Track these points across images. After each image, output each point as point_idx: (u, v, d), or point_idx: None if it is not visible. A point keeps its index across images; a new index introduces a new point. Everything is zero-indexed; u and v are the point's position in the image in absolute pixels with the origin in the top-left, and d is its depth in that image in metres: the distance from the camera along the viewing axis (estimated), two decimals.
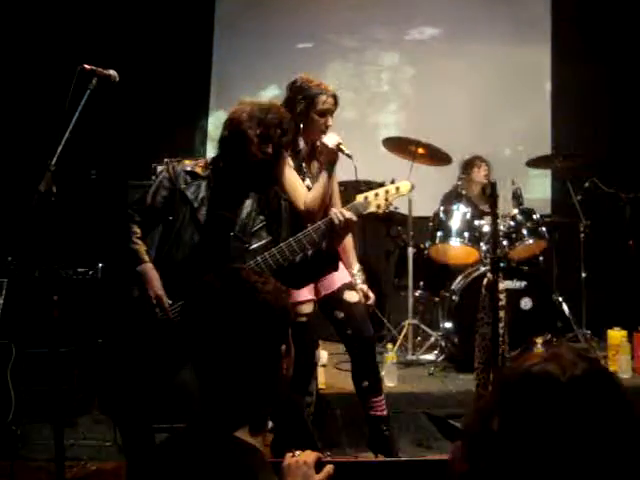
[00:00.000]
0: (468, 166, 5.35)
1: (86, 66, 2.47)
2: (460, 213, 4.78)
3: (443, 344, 4.73)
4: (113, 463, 3.21)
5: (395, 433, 3.34)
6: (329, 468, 1.46)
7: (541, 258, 4.94)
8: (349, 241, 3.33)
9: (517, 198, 4.79)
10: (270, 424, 2.86)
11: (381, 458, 3.13)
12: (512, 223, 4.70)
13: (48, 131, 2.37)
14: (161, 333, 2.60)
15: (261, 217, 2.76)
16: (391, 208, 2.99)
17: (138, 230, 2.71)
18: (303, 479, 1.42)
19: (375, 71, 6.34)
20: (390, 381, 4.09)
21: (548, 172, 5.91)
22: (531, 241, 4.73)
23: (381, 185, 3.08)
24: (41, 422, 3.40)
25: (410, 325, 4.77)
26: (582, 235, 4.98)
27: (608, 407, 0.85)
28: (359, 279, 3.32)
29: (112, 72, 2.55)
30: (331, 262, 2.74)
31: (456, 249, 4.82)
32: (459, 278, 4.73)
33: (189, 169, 2.76)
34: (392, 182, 2.92)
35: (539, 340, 4.31)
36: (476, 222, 4.73)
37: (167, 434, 2.17)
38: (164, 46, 5.86)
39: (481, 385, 3.38)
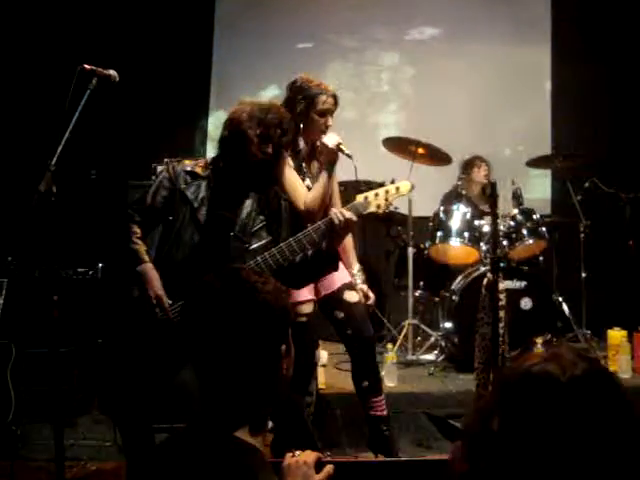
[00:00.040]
0: (468, 166, 5.35)
1: (86, 66, 2.47)
2: (460, 213, 4.78)
3: (443, 344, 4.72)
4: (113, 463, 3.21)
5: (395, 433, 3.34)
6: (329, 468, 1.46)
7: (541, 258, 4.94)
8: (349, 241, 3.33)
9: (517, 198, 4.79)
10: (270, 424, 2.86)
11: (381, 458, 3.13)
12: (512, 223, 4.70)
13: (48, 131, 2.37)
14: (161, 333, 2.60)
15: (261, 217, 2.76)
16: (391, 208, 2.99)
17: (138, 230, 2.71)
18: (303, 479, 1.42)
19: (375, 71, 6.35)
20: (390, 381, 4.09)
21: (548, 172, 5.91)
22: (531, 241, 4.73)
23: (381, 185, 3.08)
24: (41, 422, 3.40)
25: (410, 325, 4.77)
26: (582, 235, 4.98)
27: (608, 407, 0.85)
28: (359, 279, 3.32)
29: (112, 72, 2.54)
30: (331, 262, 2.74)
31: (456, 249, 4.82)
32: (459, 278, 4.73)
33: (189, 169, 2.76)
34: (392, 182, 2.92)
35: (539, 340, 4.31)
36: (476, 222, 4.73)
37: (167, 434, 2.17)
38: (164, 46, 5.86)
39: (481, 385, 3.37)
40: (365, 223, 4.98)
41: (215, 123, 5.94)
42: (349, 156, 2.99)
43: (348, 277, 3.24)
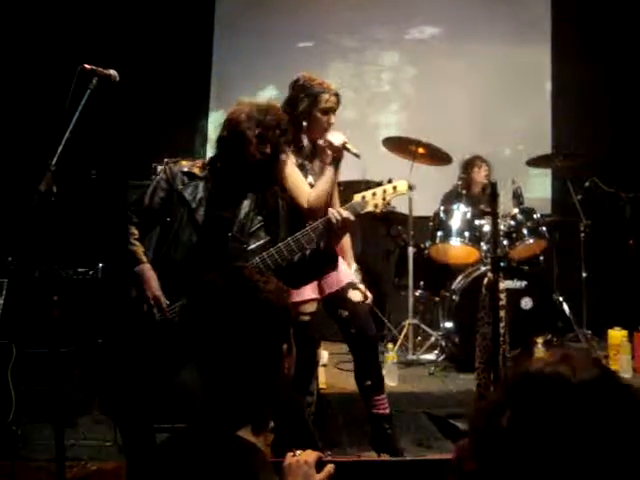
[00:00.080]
0: (468, 166, 5.35)
1: (86, 66, 2.46)
2: (460, 213, 4.78)
3: (443, 344, 4.72)
4: (113, 463, 3.20)
5: (397, 432, 3.34)
6: (330, 467, 1.46)
7: (541, 258, 4.94)
8: (347, 241, 3.34)
9: (517, 197, 4.79)
10: (271, 424, 2.86)
11: (383, 457, 3.13)
12: (512, 223, 4.70)
13: (48, 131, 2.37)
14: (160, 333, 2.60)
15: (259, 217, 2.76)
16: (389, 207, 2.99)
17: (136, 231, 2.72)
18: (304, 479, 1.42)
19: (375, 71, 6.35)
20: (391, 381, 4.08)
21: (548, 171, 5.91)
22: (531, 241, 4.73)
23: (379, 185, 3.08)
24: (42, 422, 3.39)
25: (410, 325, 4.77)
26: (582, 235, 4.98)
27: (617, 412, 0.85)
28: (356, 279, 3.32)
29: (112, 72, 2.54)
30: (329, 261, 2.74)
31: (456, 249, 4.81)
32: (459, 278, 4.73)
33: (186, 170, 2.76)
34: (389, 181, 2.92)
35: (540, 340, 4.31)
36: (476, 222, 4.73)
37: (167, 434, 2.17)
38: (164, 46, 5.87)
39: (482, 385, 3.37)
40: (365, 223, 4.98)
41: (215, 123, 5.93)
42: (356, 155, 3.00)
43: (352, 277, 3.25)
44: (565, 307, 4.91)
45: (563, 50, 6.06)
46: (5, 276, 3.49)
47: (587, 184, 5.09)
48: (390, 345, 4.44)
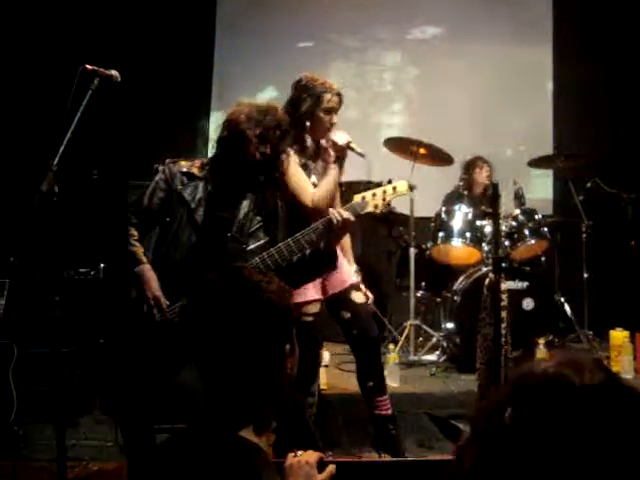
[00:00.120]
0: (470, 166, 5.34)
1: (88, 66, 2.47)
2: (462, 213, 4.78)
3: (445, 345, 4.72)
4: (114, 463, 3.20)
5: (401, 432, 3.34)
6: (331, 468, 1.46)
7: (543, 258, 4.94)
8: (347, 242, 3.34)
9: (519, 198, 4.79)
10: (274, 424, 2.86)
11: (385, 458, 3.13)
12: (514, 223, 4.69)
13: (50, 131, 2.37)
14: (160, 334, 2.60)
15: (258, 218, 2.77)
16: (389, 208, 2.99)
17: (135, 232, 2.73)
18: (305, 479, 1.42)
19: (377, 71, 6.35)
20: (392, 382, 4.08)
21: (550, 172, 5.90)
22: (533, 241, 4.72)
23: (379, 185, 3.09)
24: (43, 422, 3.39)
25: (412, 326, 4.77)
26: (584, 235, 4.98)
27: (620, 416, 0.84)
28: (356, 280, 3.32)
29: (114, 72, 2.54)
30: (329, 262, 2.75)
31: (458, 249, 4.81)
32: (461, 279, 4.73)
33: (185, 170, 2.77)
34: (389, 182, 2.92)
35: (541, 341, 4.31)
36: (478, 222, 4.73)
37: (168, 434, 2.17)
38: (166, 46, 5.87)
39: (483, 385, 3.37)
40: (367, 224, 4.98)
41: (216, 123, 5.84)
42: (361, 155, 3.01)
43: (355, 278, 3.25)
44: (567, 308, 4.91)
45: (564, 50, 6.06)
46: (7, 276, 3.49)
47: (589, 185, 5.09)
48: (391, 346, 4.44)
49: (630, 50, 5.85)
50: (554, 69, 6.13)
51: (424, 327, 4.92)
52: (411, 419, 3.76)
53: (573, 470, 0.82)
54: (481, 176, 5.30)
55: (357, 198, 2.71)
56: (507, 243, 4.63)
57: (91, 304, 4.08)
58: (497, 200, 3.29)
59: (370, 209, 2.71)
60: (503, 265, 3.40)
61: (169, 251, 2.69)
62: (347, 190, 3.72)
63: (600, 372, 0.88)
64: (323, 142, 3.08)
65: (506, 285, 3.43)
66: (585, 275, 4.98)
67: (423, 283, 5.00)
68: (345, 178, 3.32)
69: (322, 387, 3.76)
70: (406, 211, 4.91)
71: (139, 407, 2.62)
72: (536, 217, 4.76)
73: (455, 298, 4.65)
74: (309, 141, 3.14)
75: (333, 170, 3.02)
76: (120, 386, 2.67)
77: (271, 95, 5.64)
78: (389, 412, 3.22)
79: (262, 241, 2.74)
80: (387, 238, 5.31)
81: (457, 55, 6.10)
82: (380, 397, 3.20)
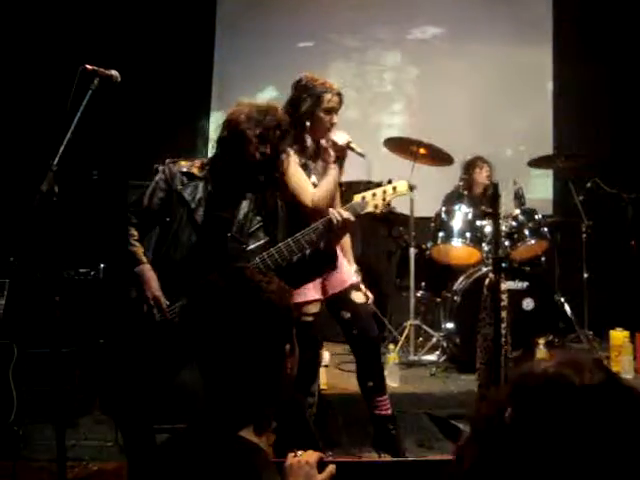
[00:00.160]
0: (470, 166, 5.34)
1: (88, 66, 2.46)
2: (462, 213, 4.78)
3: (445, 345, 4.72)
4: (114, 463, 3.20)
5: (401, 432, 3.34)
6: (331, 468, 1.46)
7: (543, 258, 4.93)
8: (347, 242, 3.34)
9: (519, 198, 4.79)
10: (274, 424, 2.86)
11: (384, 458, 3.13)
12: (514, 223, 4.69)
13: (50, 131, 2.37)
14: (160, 334, 2.60)
15: (258, 218, 2.77)
16: (389, 208, 3.00)
17: (135, 232, 2.73)
18: (305, 479, 1.42)
19: (377, 71, 6.35)
20: (392, 382, 4.08)
21: (550, 172, 5.90)
22: (533, 241, 4.72)
23: (379, 185, 3.10)
24: (43, 422, 3.39)
25: (412, 326, 4.77)
26: (584, 235, 4.98)
27: (620, 418, 0.84)
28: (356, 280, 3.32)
29: (114, 72, 2.54)
30: (329, 262, 2.75)
31: (458, 249, 4.81)
32: (461, 279, 4.73)
33: (185, 170, 2.77)
34: (389, 182, 2.92)
35: (541, 341, 4.30)
36: (478, 222, 4.73)
37: (167, 434, 2.16)
38: (166, 46, 5.87)
39: (483, 385, 3.37)
40: (367, 224, 4.98)
41: (216, 123, 5.85)
42: (361, 155, 3.01)
43: (355, 278, 3.25)
44: (567, 308, 4.91)
45: (564, 50, 6.06)
46: (7, 276, 3.49)
47: (589, 185, 5.09)
48: (391, 346, 4.44)
49: (630, 50, 5.85)
50: (554, 69, 6.12)
51: (424, 327, 4.92)
52: (411, 419, 3.76)
53: (573, 470, 0.82)
54: (481, 176, 5.30)
55: (357, 198, 2.71)
56: (507, 243, 4.63)
57: (91, 304, 4.08)
58: (497, 200, 3.29)
59: (370, 209, 2.71)
60: (503, 265, 3.40)
61: (169, 251, 2.70)
62: (347, 190, 3.72)
63: (600, 372, 0.88)
64: (323, 142, 3.08)
65: (506, 285, 3.43)
66: (585, 275, 4.98)
67: (423, 283, 5.00)
68: (345, 178, 3.32)
69: (322, 387, 3.76)
70: (406, 211, 4.91)
71: (139, 407, 2.62)
72: (536, 217, 4.76)
73: (455, 298, 4.65)
74: (309, 141, 3.14)
75: (333, 170, 3.02)
76: (120, 386, 2.67)
77: (271, 95, 5.64)
78: (389, 412, 3.22)
79: (262, 241, 2.74)
80: (387, 238, 5.31)
81: (457, 55, 6.09)
82: (380, 397, 3.20)
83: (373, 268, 5.23)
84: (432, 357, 4.74)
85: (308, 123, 3.08)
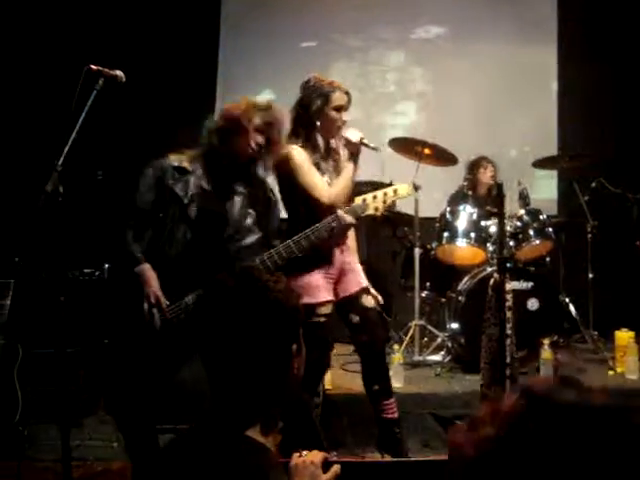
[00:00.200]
0: (474, 167, 5.33)
1: (92, 67, 2.47)
2: (467, 214, 4.77)
3: (450, 345, 4.71)
4: (119, 463, 3.21)
5: (405, 434, 3.34)
6: (336, 468, 1.46)
7: (548, 259, 4.93)
8: (353, 243, 3.34)
9: (524, 199, 4.78)
10: (280, 424, 2.86)
11: (387, 458, 3.13)
12: (519, 224, 4.68)
13: (55, 131, 2.37)
14: (160, 333, 2.61)
15: (252, 212, 2.78)
16: (392, 209, 3.01)
17: (132, 232, 2.73)
18: (310, 479, 1.42)
19: (380, 71, 6.34)
20: (397, 382, 4.07)
21: (554, 173, 5.89)
22: (538, 242, 4.71)
23: (382, 186, 3.11)
24: (48, 422, 3.40)
25: (417, 326, 4.76)
26: (589, 236, 4.97)
27: (622, 445, 0.83)
28: None
29: (118, 73, 2.54)
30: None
31: (463, 250, 4.81)
32: (466, 279, 4.72)
33: (176, 164, 2.77)
34: (390, 184, 2.93)
35: (546, 341, 4.30)
36: (482, 223, 4.72)
37: (170, 434, 2.16)
38: (170, 47, 5.87)
39: (487, 386, 3.36)
40: (371, 224, 4.98)
41: None
42: (375, 149, 3.05)
43: (365, 281, 3.25)
44: (571, 308, 4.90)
45: (569, 50, 6.05)
46: (12, 277, 3.50)
47: (593, 185, 5.08)
48: (396, 346, 4.43)
49: (635, 50, 5.84)
50: (559, 69, 6.11)
51: (429, 327, 4.92)
52: (415, 419, 3.76)
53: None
54: (485, 176, 5.29)
55: (358, 200, 2.73)
56: (512, 243, 4.62)
57: (96, 304, 4.08)
58: (502, 200, 3.29)
59: (370, 211, 2.72)
60: (508, 265, 3.40)
61: (164, 247, 2.70)
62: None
63: (602, 394, 0.87)
64: (333, 142, 3.10)
65: (511, 285, 3.43)
66: (590, 275, 4.97)
67: (428, 283, 4.99)
68: (359, 176, 3.34)
69: (327, 387, 3.76)
70: (411, 211, 4.91)
71: (141, 407, 2.62)
72: (541, 217, 4.75)
73: (460, 298, 4.64)
74: (320, 140, 3.15)
75: (348, 167, 3.04)
76: (121, 386, 2.67)
77: (274, 96, 5.63)
78: (395, 415, 3.22)
79: (257, 236, 2.76)
80: (392, 238, 5.31)
81: (461, 55, 6.08)
82: (387, 400, 3.20)
83: (378, 268, 5.22)
84: (437, 357, 4.74)
85: (319, 122, 3.10)
